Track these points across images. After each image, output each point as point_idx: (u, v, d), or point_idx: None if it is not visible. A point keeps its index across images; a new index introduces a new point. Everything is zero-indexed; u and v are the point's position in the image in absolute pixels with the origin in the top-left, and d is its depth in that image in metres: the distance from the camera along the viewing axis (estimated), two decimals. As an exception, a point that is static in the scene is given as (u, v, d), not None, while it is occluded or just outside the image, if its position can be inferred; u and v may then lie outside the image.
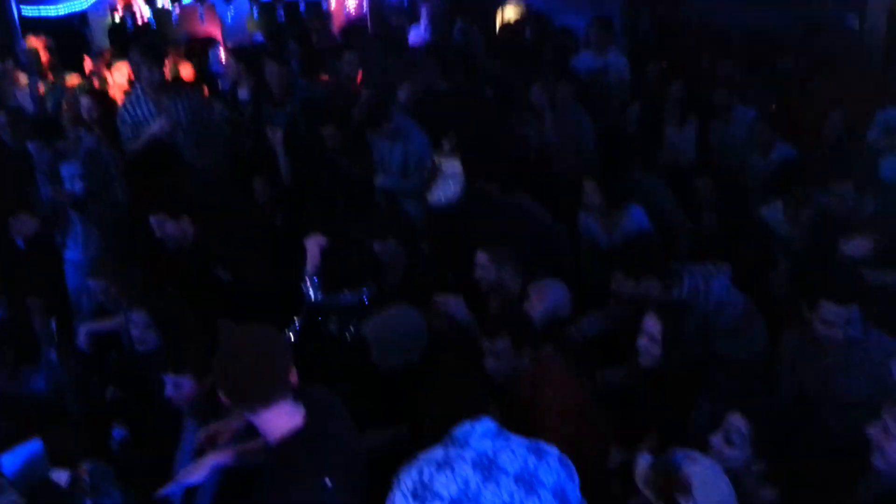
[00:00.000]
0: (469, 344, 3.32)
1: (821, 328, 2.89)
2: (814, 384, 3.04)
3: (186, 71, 7.04)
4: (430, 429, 2.25)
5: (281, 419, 2.04)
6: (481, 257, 3.64)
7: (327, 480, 1.98)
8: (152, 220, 4.13)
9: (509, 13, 9.35)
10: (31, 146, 4.99)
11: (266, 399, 2.01)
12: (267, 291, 4.03)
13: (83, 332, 3.88)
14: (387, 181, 5.07)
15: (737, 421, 2.37)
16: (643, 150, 5.16)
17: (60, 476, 2.90)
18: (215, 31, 8.90)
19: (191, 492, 2.70)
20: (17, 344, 3.81)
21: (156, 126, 4.90)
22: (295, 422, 2.04)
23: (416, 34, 8.35)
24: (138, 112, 5.02)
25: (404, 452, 2.12)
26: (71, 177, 5.02)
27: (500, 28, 8.91)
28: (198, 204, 4.37)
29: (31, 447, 2.94)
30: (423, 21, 8.28)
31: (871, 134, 4.87)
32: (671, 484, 2.14)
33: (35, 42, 6.32)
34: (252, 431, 2.24)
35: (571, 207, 4.47)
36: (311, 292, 3.72)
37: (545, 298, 3.53)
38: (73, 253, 4.59)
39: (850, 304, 2.82)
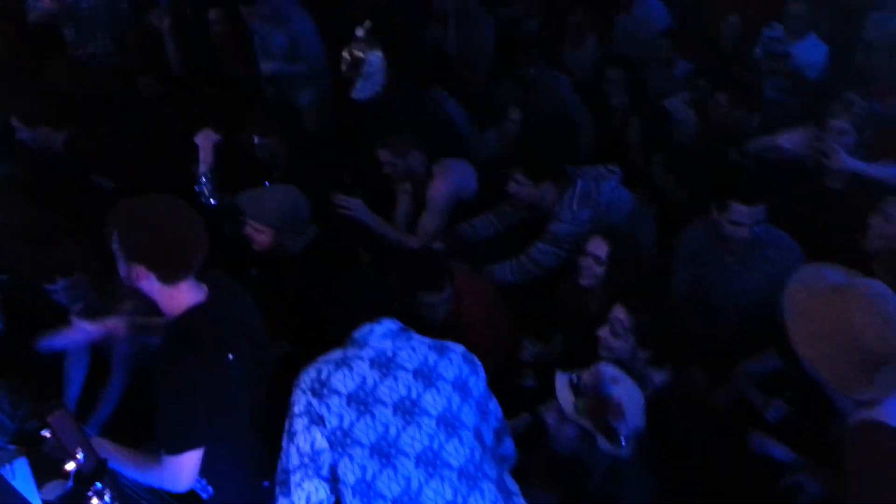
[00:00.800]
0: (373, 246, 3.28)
1: (728, 227, 2.99)
2: (713, 279, 3.18)
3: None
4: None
5: (187, 294, 1.99)
6: (383, 154, 3.55)
7: (230, 355, 1.95)
8: (14, 123, 3.78)
9: None
10: None
11: (185, 269, 1.96)
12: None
13: None
14: (269, 67, 4.74)
15: (619, 313, 2.46)
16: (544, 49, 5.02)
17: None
18: None
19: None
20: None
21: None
22: (198, 298, 2.01)
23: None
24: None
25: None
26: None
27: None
28: (72, 106, 4.01)
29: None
30: None
31: (756, 51, 4.94)
32: (604, 411, 2.23)
33: None
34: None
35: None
36: (206, 193, 3.53)
37: (449, 177, 3.53)
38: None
39: (758, 204, 2.93)
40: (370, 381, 1.94)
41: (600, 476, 2.32)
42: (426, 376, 1.98)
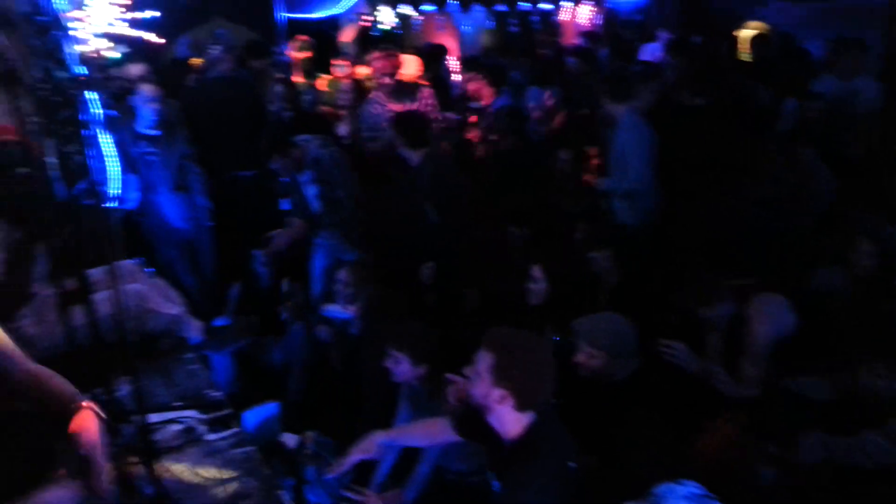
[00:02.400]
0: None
1: None
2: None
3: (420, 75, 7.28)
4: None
5: (528, 416, 2.25)
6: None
7: (571, 464, 2.15)
8: None
9: (750, 30, 9.20)
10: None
11: (542, 399, 2.25)
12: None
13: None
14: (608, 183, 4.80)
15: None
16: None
17: (289, 439, 3.29)
18: (451, 40, 9.15)
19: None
20: (266, 314, 4.30)
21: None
22: (529, 418, 2.24)
23: (649, 52, 8.19)
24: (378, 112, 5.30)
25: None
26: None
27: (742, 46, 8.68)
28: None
29: (268, 409, 3.34)
30: (661, 41, 8.04)
31: None
32: None
33: (297, 43, 6.59)
34: None
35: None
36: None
37: (768, 319, 3.36)
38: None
39: None
40: None
41: None
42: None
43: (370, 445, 2.66)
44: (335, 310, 4.10)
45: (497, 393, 2.22)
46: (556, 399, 3.44)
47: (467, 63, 6.45)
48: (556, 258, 4.20)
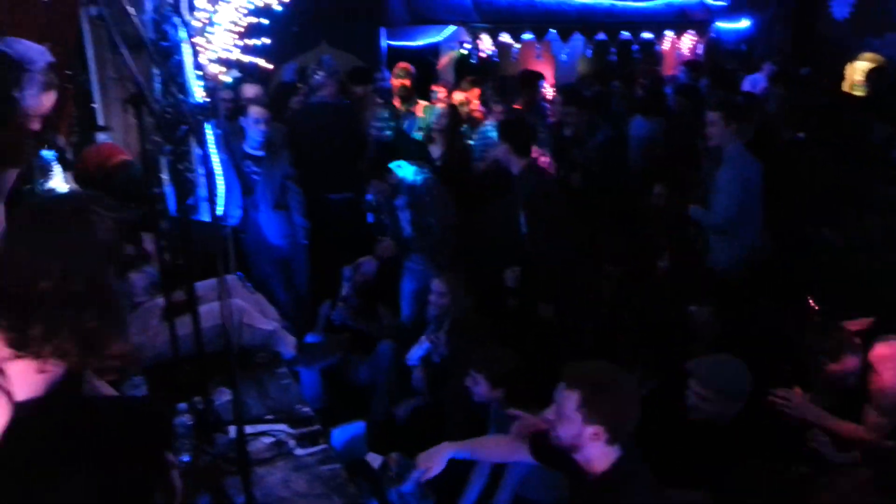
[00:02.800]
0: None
1: None
2: None
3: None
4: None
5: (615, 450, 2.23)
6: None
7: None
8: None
9: (862, 64, 8.77)
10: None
11: (630, 432, 2.22)
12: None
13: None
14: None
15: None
16: None
17: (374, 459, 3.33)
18: (548, 69, 9.24)
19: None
20: (355, 332, 4.40)
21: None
22: (617, 452, 2.23)
23: (750, 83, 8.01)
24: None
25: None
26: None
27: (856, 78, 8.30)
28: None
29: (356, 428, 3.40)
30: (765, 72, 7.85)
31: None
32: None
33: (397, 70, 6.72)
34: None
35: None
36: None
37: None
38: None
39: None
40: None
41: None
42: None
43: (440, 458, 2.61)
44: (418, 352, 4.18)
45: (590, 430, 2.18)
46: (657, 440, 3.38)
47: (565, 93, 6.38)
48: (647, 297, 4.12)
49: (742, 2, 9.71)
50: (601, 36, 8.39)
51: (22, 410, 1.47)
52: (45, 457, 1.44)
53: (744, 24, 9.53)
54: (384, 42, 8.13)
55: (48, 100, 2.40)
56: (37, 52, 2.33)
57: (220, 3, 4.28)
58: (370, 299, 4.80)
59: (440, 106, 6.24)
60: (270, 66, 5.21)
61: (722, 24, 9.31)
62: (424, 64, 8.71)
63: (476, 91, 6.69)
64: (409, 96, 6.54)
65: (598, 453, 2.22)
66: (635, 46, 8.72)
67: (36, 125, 2.38)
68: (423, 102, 6.64)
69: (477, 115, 6.46)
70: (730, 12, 9.61)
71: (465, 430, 3.35)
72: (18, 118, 2.26)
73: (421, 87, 6.86)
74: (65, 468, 1.43)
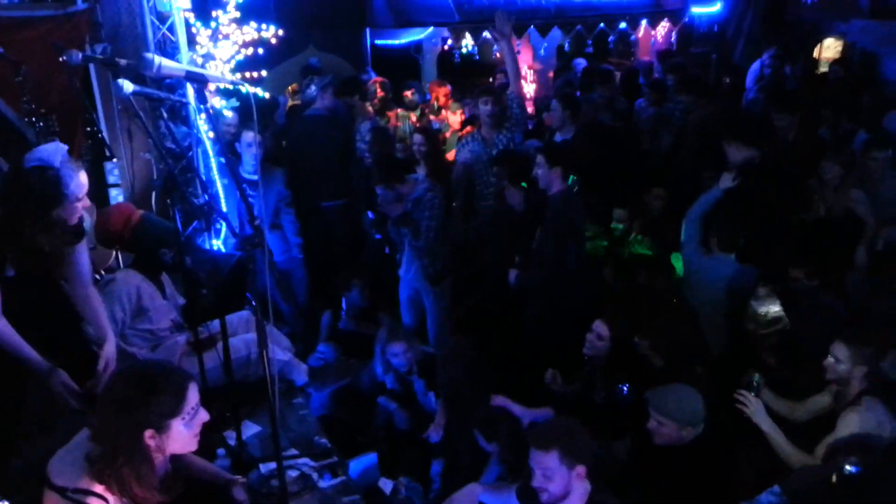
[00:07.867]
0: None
1: None
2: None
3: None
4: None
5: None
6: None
7: None
8: None
9: (829, 49, 9.09)
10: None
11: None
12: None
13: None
14: None
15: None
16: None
17: (386, 485, 3.62)
18: (526, 61, 9.23)
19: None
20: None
21: None
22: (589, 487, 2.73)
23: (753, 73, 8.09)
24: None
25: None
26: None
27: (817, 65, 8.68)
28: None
29: (370, 458, 3.65)
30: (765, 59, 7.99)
31: None
32: None
33: (372, 84, 7.07)
34: None
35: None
36: None
37: None
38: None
39: None
40: None
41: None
42: None
43: (470, 500, 2.84)
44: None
45: (577, 471, 2.55)
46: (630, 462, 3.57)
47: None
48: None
49: (715, -15, 9.88)
50: (578, 28, 8.59)
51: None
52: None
53: (717, 7, 9.75)
54: (369, 43, 8.28)
55: (83, 177, 2.62)
56: (53, 152, 2.52)
57: (220, 39, 4.44)
58: (372, 307, 5.12)
59: (412, 116, 6.78)
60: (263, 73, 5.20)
61: (696, 10, 9.52)
62: (408, 60, 8.91)
63: (446, 88, 7.27)
64: (384, 108, 7.00)
65: (582, 492, 2.57)
66: (612, 38, 8.91)
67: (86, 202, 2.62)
68: (396, 110, 7.06)
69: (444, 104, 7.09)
70: (704, -3, 9.78)
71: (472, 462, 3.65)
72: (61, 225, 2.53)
73: (401, 88, 7.27)
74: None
